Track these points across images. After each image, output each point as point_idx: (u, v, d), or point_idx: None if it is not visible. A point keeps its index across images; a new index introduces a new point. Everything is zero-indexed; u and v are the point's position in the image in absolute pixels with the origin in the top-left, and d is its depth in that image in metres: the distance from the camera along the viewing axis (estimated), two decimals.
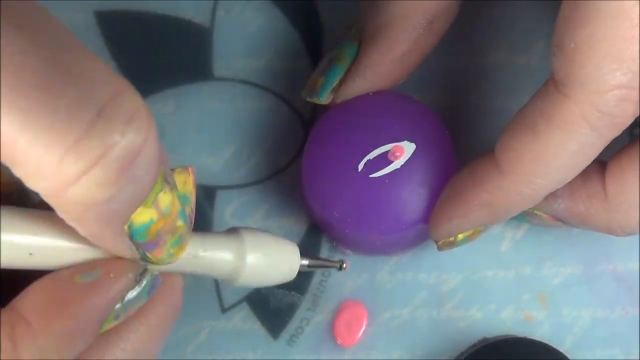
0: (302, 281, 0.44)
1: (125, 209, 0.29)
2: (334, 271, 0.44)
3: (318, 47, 0.46)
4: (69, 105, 0.27)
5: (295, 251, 0.38)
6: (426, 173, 0.40)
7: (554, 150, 0.34)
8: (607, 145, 0.35)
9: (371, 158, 0.39)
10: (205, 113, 0.45)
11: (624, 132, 0.34)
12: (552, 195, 0.38)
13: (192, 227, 0.34)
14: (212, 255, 0.35)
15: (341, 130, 0.40)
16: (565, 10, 0.34)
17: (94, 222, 0.29)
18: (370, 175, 0.39)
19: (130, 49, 0.45)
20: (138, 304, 0.33)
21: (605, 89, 0.33)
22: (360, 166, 0.39)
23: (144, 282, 0.33)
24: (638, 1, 0.32)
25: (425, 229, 0.40)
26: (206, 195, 0.45)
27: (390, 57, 0.40)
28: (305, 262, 0.38)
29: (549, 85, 0.34)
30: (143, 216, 0.30)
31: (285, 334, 0.44)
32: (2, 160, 0.27)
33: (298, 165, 0.45)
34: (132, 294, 0.32)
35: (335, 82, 0.41)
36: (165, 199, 0.31)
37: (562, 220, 0.39)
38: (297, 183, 0.44)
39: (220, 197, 0.45)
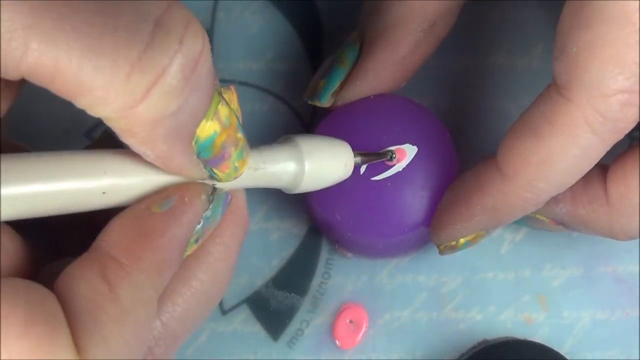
0: (302, 283, 0.44)
1: (191, 121, 0.30)
2: (334, 273, 0.44)
3: (318, 49, 0.46)
4: (127, 22, 0.27)
5: (348, 149, 0.38)
6: (428, 176, 0.40)
7: (557, 154, 0.34)
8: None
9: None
10: None
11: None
12: (554, 200, 0.38)
13: None
14: (273, 167, 0.35)
15: (343, 133, 0.40)
16: (567, 15, 0.34)
17: (163, 140, 0.29)
18: (372, 178, 0.40)
19: None
20: (214, 223, 0.33)
21: (608, 93, 0.33)
22: (362, 169, 0.39)
23: (216, 201, 0.33)
24: None
25: (427, 232, 0.40)
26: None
27: (392, 60, 0.40)
28: (358, 158, 0.38)
29: (551, 89, 0.34)
30: (207, 129, 0.31)
31: (285, 336, 0.44)
32: (65, 94, 0.28)
33: None
34: (207, 215, 0.32)
35: (337, 85, 0.41)
36: (224, 110, 0.31)
37: (564, 225, 0.39)
38: None
39: None
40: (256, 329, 0.44)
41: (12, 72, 0.27)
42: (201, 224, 0.32)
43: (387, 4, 0.40)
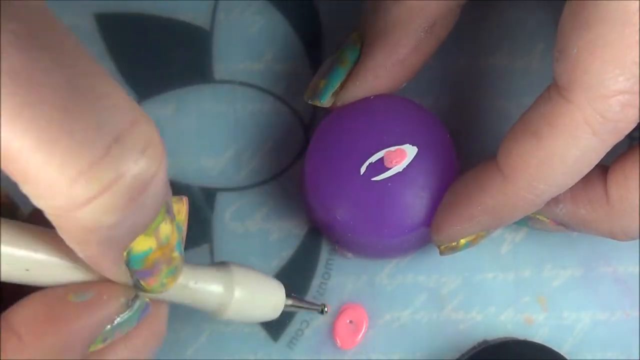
0: (302, 283, 0.44)
1: (127, 236, 0.29)
2: (334, 274, 0.44)
3: (318, 50, 0.46)
4: (86, 129, 0.27)
5: (281, 291, 0.38)
6: (428, 176, 0.40)
7: (557, 155, 0.34)
8: None
9: (373, 161, 0.39)
10: (206, 115, 0.45)
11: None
12: (554, 200, 0.38)
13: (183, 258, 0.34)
14: (202, 288, 0.35)
15: (343, 133, 0.40)
16: (567, 15, 0.34)
17: (95, 245, 0.29)
18: (373, 179, 0.39)
19: (130, 52, 0.45)
20: (126, 328, 0.33)
21: (608, 94, 0.33)
22: (362, 169, 0.39)
23: (135, 308, 0.33)
24: None
25: (427, 233, 0.40)
26: (206, 198, 0.45)
27: (392, 60, 0.40)
28: (289, 302, 0.39)
29: (551, 90, 0.34)
30: (143, 244, 0.30)
31: (285, 337, 0.44)
32: (13, 176, 0.27)
33: (298, 167, 0.45)
34: (122, 318, 0.32)
35: (337, 85, 0.41)
36: (165, 229, 0.31)
37: (564, 225, 0.39)
38: (298, 185, 0.44)
39: (221, 199, 0.45)
40: (256, 329, 0.44)
41: None
42: (113, 324, 0.32)
43: (387, 4, 0.40)
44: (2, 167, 0.27)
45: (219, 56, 0.46)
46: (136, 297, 0.33)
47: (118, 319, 0.32)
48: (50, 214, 0.28)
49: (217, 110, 0.45)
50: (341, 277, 0.44)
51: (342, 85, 0.41)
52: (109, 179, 0.27)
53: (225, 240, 0.44)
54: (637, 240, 0.43)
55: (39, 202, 0.28)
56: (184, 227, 0.33)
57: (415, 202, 0.40)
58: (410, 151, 0.40)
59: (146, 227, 0.30)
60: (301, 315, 0.44)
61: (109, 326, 0.32)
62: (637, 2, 0.32)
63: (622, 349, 0.43)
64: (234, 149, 0.45)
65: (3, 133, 0.26)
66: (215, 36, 0.46)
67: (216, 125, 0.45)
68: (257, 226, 0.45)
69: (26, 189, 0.27)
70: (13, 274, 0.31)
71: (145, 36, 0.46)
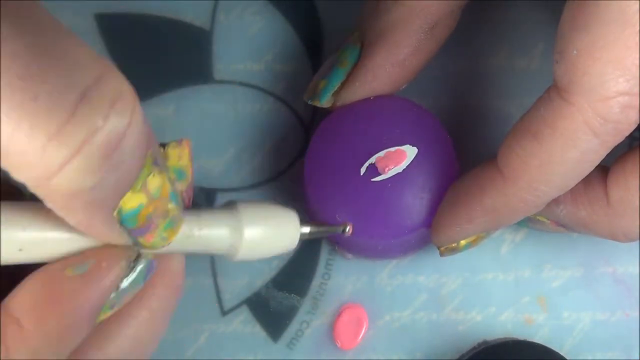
0: (302, 284, 0.44)
1: (112, 196, 0.29)
2: (334, 274, 0.44)
3: (318, 50, 0.46)
4: (50, 92, 0.26)
5: (295, 220, 0.36)
6: (428, 177, 0.40)
7: (558, 157, 0.34)
8: None
9: (373, 162, 0.40)
10: (206, 116, 0.45)
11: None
12: (555, 201, 0.38)
13: (190, 204, 0.33)
14: (208, 234, 0.33)
15: (343, 134, 0.40)
16: (567, 17, 0.33)
17: (81, 210, 0.28)
18: (373, 179, 0.40)
19: (130, 52, 0.45)
20: (134, 290, 0.32)
21: (609, 95, 0.33)
22: (362, 170, 0.39)
23: (139, 268, 0.32)
24: None
25: (427, 233, 0.40)
26: (206, 198, 0.45)
27: (392, 61, 0.40)
28: (307, 230, 0.37)
29: (551, 92, 0.34)
30: (132, 201, 0.29)
31: (285, 337, 0.44)
32: None
33: (298, 168, 0.45)
34: (126, 282, 0.31)
35: (337, 85, 0.41)
36: (154, 182, 0.30)
37: (565, 226, 0.39)
38: (298, 186, 0.44)
39: (221, 199, 0.45)
40: (256, 330, 0.44)
41: None
42: (119, 290, 0.31)
43: (387, 4, 0.40)
44: None
45: (219, 56, 0.46)
46: (139, 256, 0.32)
47: (123, 283, 0.31)
48: (30, 185, 0.27)
49: (217, 110, 0.45)
50: (341, 277, 0.44)
51: (342, 86, 0.41)
52: (79, 140, 0.26)
53: None
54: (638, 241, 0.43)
55: (18, 174, 0.27)
56: (189, 172, 0.32)
57: (415, 202, 0.40)
58: (410, 152, 0.40)
59: (130, 184, 0.29)
60: (301, 315, 0.44)
61: (113, 294, 0.31)
62: (637, 2, 0.32)
63: (622, 349, 0.43)
64: (234, 149, 0.45)
65: None
66: (215, 36, 0.46)
67: (216, 126, 0.45)
68: None
69: (5, 163, 0.27)
70: (6, 256, 0.30)
71: (145, 36, 0.45)
